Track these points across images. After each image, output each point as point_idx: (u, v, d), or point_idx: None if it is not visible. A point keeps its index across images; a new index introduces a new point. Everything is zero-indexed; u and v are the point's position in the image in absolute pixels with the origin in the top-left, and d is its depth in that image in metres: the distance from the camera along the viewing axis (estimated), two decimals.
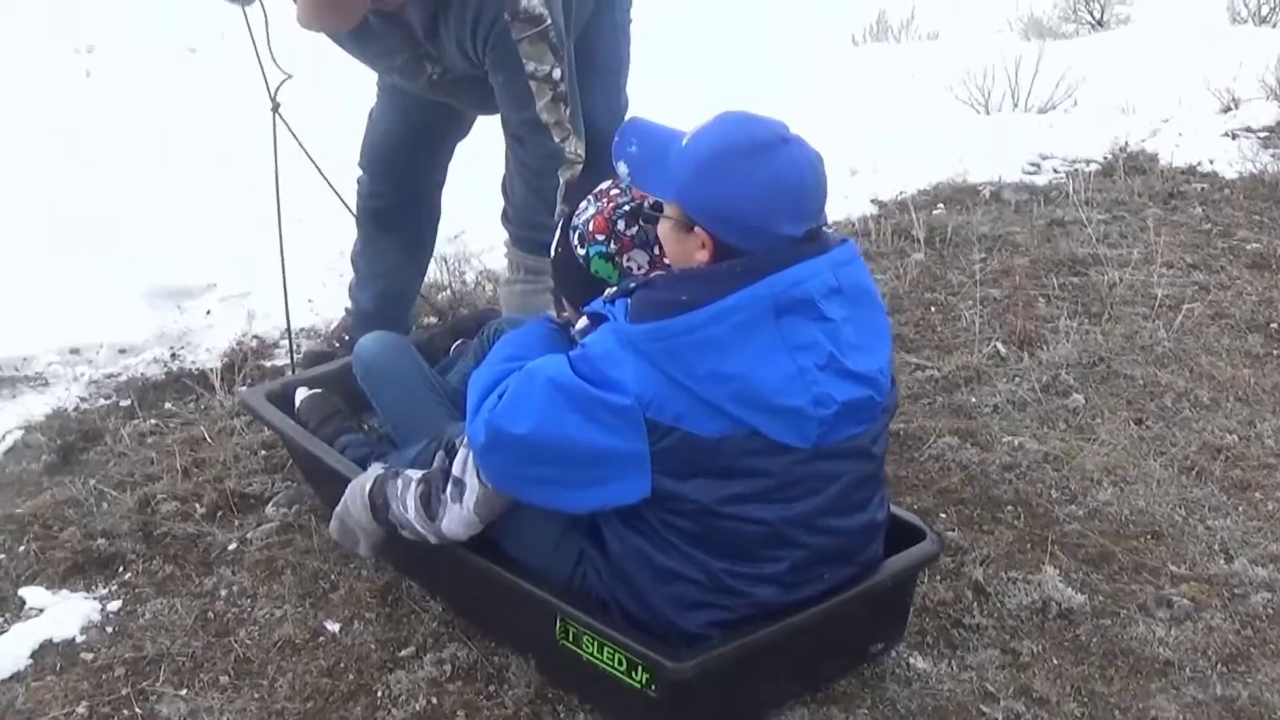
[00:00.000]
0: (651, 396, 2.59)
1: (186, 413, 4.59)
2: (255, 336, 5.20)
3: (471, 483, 2.89)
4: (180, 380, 4.85)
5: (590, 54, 4.21)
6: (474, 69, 3.95)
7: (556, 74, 3.85)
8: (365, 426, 3.94)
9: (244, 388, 4.58)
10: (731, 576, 2.77)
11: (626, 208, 3.09)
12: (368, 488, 3.16)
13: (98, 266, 5.68)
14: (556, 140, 3.95)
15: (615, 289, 2.81)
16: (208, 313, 5.42)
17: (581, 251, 3.11)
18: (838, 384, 2.67)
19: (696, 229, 2.69)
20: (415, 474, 3.08)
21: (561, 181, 4.01)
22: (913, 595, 3.30)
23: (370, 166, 4.62)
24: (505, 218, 4.21)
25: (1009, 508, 3.90)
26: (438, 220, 4.82)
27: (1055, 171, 6.99)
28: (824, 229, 2.76)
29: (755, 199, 2.63)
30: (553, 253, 3.24)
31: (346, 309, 5.01)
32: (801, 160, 2.68)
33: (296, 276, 5.40)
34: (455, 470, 2.93)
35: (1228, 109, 7.68)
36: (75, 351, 5.11)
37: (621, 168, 2.85)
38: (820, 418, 2.66)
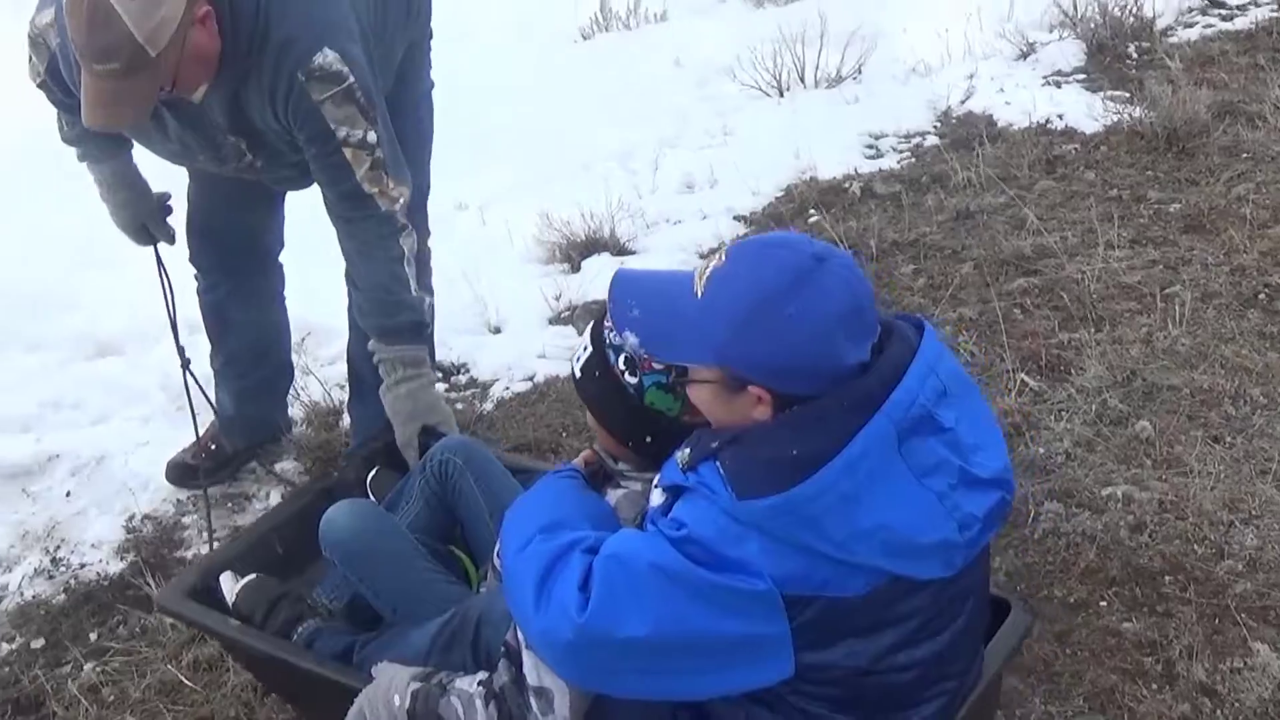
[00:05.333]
0: (787, 573, 2.16)
1: (127, 644, 3.73)
2: (147, 517, 4.31)
3: (558, 685, 2.40)
4: (90, 598, 3.97)
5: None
6: (292, 150, 3.52)
7: (371, 138, 3.43)
8: (316, 603, 3.29)
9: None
10: None
11: None
12: (404, 705, 2.57)
13: None
14: (384, 208, 3.53)
15: (690, 451, 2.28)
16: (68, 495, 4.49)
17: (633, 380, 2.53)
18: (974, 498, 2.28)
19: (750, 387, 2.24)
20: (470, 686, 2.52)
21: (406, 251, 3.61)
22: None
23: (199, 257, 4.20)
24: (360, 312, 3.73)
25: (1166, 578, 3.51)
26: (282, 296, 4.39)
27: (898, 151, 6.54)
28: (891, 324, 2.36)
29: (814, 339, 2.19)
30: (579, 374, 2.62)
31: (213, 412, 4.41)
32: (845, 273, 2.24)
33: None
34: (531, 679, 2.42)
35: (1025, 54, 7.37)
36: None
37: (630, 339, 2.37)
38: (967, 541, 2.27)
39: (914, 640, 2.31)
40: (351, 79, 3.35)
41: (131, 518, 4.31)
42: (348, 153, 3.42)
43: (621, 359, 2.54)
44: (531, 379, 4.85)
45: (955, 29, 7.53)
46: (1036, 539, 3.65)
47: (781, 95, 7.44)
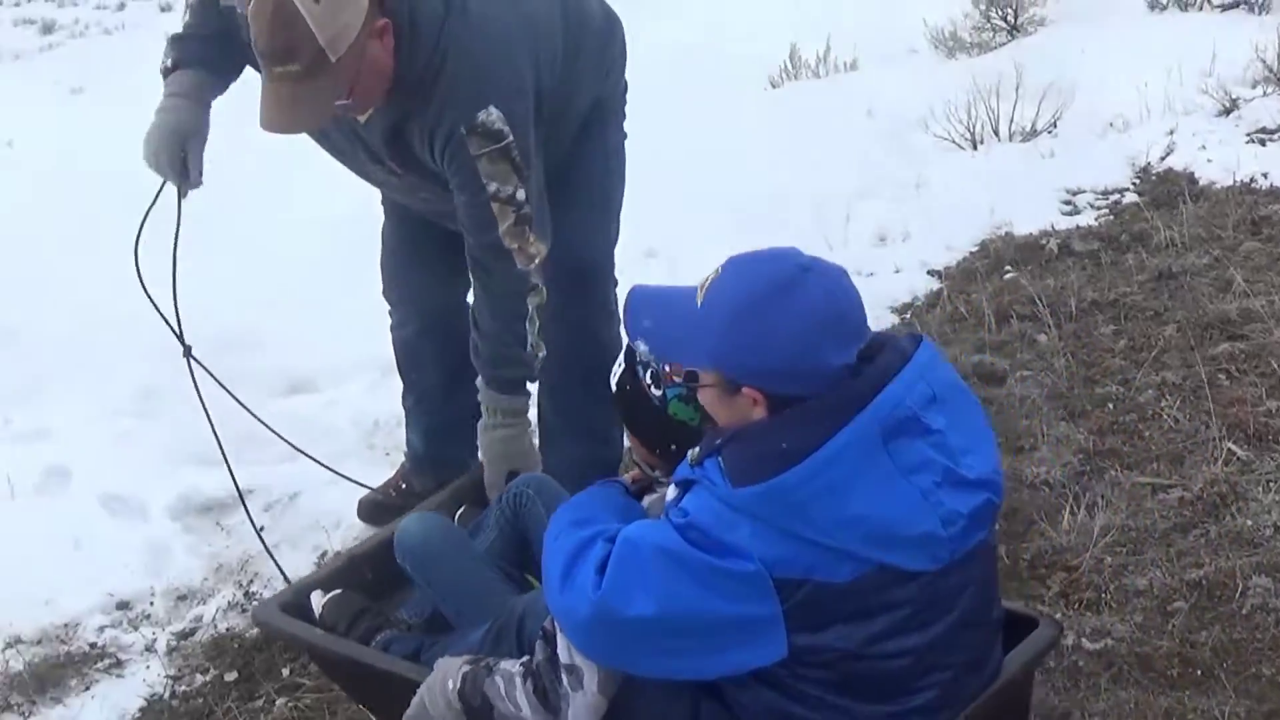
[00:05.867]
0: (776, 557, 2.38)
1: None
2: (340, 555, 4.35)
3: (587, 663, 2.64)
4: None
5: (579, 185, 3.94)
6: (447, 187, 3.64)
7: (520, 195, 3.54)
8: (397, 619, 3.49)
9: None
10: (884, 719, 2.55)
11: None
12: (456, 687, 2.83)
13: (98, 476, 4.82)
14: (520, 265, 3.63)
15: (699, 449, 2.53)
16: (261, 530, 4.56)
17: (657, 393, 2.83)
18: (960, 496, 2.48)
19: (744, 389, 2.48)
20: (512, 667, 2.79)
21: (531, 309, 3.71)
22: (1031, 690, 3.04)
23: (390, 292, 4.39)
24: (475, 353, 3.83)
25: None
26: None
27: (1094, 208, 6.44)
28: (886, 337, 2.60)
29: (796, 342, 2.43)
30: (614, 388, 2.93)
31: (405, 453, 4.60)
32: (828, 283, 2.48)
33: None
34: (564, 657, 2.66)
35: (1228, 110, 7.23)
36: (125, 606, 4.29)
37: (641, 346, 2.67)
38: (950, 536, 2.47)
39: (904, 629, 2.47)
40: (510, 138, 3.47)
41: (323, 555, 4.39)
42: (495, 206, 3.53)
43: (648, 374, 2.81)
44: None
45: (1154, 83, 7.41)
46: (1244, 614, 3.54)
47: (975, 148, 7.38)
